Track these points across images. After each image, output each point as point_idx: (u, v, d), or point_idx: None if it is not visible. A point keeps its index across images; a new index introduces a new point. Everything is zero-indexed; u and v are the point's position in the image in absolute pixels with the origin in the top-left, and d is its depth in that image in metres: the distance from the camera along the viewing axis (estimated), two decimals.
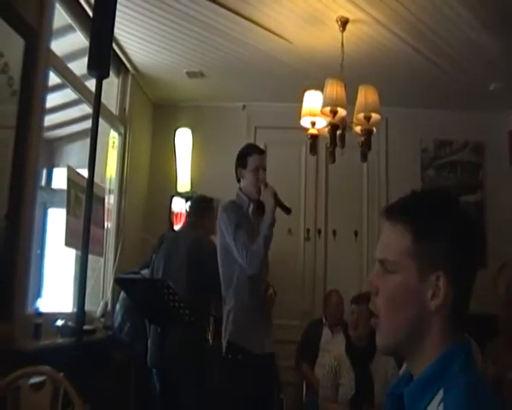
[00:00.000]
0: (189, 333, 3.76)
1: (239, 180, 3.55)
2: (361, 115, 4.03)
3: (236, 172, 3.54)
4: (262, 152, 3.57)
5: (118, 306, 4.54)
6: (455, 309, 1.11)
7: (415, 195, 1.20)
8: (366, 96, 4.02)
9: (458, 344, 1.10)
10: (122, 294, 4.46)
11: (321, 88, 4.03)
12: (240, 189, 3.54)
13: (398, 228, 1.15)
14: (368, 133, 4.09)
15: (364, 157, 4.25)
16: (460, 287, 1.11)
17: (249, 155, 3.49)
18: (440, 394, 1.03)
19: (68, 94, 4.43)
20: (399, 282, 1.13)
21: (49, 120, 4.24)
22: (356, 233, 5.80)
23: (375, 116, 4.03)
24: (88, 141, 2.75)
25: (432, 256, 1.11)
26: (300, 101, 4.29)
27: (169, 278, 3.77)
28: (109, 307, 4.78)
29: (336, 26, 4.24)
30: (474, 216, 1.19)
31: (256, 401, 3.22)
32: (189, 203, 4.93)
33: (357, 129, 4.15)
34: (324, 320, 5.04)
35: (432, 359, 1.09)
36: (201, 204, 4.38)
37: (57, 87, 4.28)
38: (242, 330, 3.27)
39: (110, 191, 5.12)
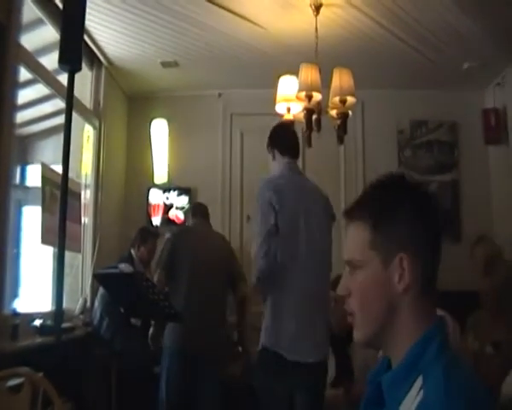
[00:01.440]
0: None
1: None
2: (336, 99, 4.02)
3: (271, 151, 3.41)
4: None
5: (96, 303, 4.51)
6: (423, 288, 1.14)
7: (369, 189, 1.23)
8: (341, 79, 4.01)
9: (431, 327, 1.12)
10: (100, 290, 4.43)
11: (296, 73, 4.02)
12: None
13: (357, 225, 1.19)
14: (344, 116, 4.09)
15: (341, 140, 4.25)
16: (424, 264, 1.14)
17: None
18: (419, 381, 1.04)
19: (40, 89, 4.37)
20: (366, 275, 1.16)
21: (21, 116, 4.18)
22: (333, 217, 5.80)
23: (350, 99, 4.02)
24: (62, 136, 2.70)
25: (391, 241, 1.15)
26: (276, 87, 4.27)
27: (198, 274, 3.88)
28: (88, 303, 4.76)
29: (310, 11, 4.22)
30: (429, 191, 1.24)
31: None
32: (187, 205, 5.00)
33: (333, 113, 4.14)
34: None
35: (407, 341, 1.11)
36: (205, 208, 4.45)
37: (29, 82, 4.22)
38: None
39: (86, 186, 5.07)
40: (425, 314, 1.14)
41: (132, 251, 4.70)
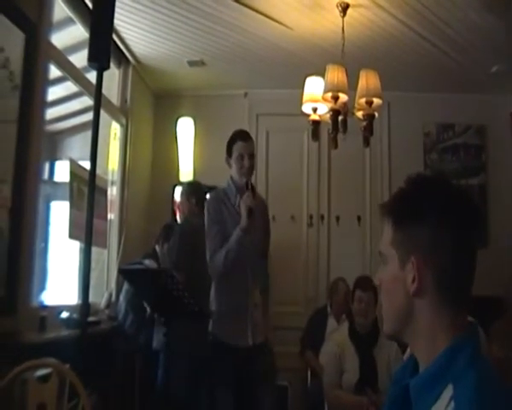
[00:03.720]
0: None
1: None
2: (363, 100, 4.01)
3: (226, 161, 3.47)
4: (246, 139, 3.43)
5: (121, 298, 4.56)
6: (442, 293, 1.11)
7: (406, 184, 1.22)
8: (367, 80, 4.00)
9: (462, 335, 1.09)
10: (125, 286, 4.47)
11: (322, 74, 4.02)
12: (230, 177, 3.47)
13: (385, 221, 1.22)
14: (370, 118, 4.08)
15: (367, 142, 4.24)
16: (442, 270, 1.11)
17: (233, 143, 3.41)
18: (449, 389, 1.02)
19: (69, 87, 4.43)
20: (387, 271, 1.20)
21: (50, 113, 4.24)
22: (359, 218, 5.80)
23: (376, 101, 4.02)
24: (90, 133, 2.75)
25: (409, 242, 1.15)
26: (302, 87, 4.28)
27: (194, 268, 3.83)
28: (113, 298, 4.81)
29: (337, 12, 4.21)
30: (463, 194, 1.18)
31: None
32: (195, 191, 4.49)
33: (359, 114, 4.14)
34: (329, 309, 5.01)
35: (430, 345, 1.10)
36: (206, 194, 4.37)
37: (58, 80, 4.28)
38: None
39: (112, 183, 5.13)
40: (450, 320, 1.11)
41: (157, 247, 4.73)
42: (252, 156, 3.37)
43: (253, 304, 3.30)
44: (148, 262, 4.45)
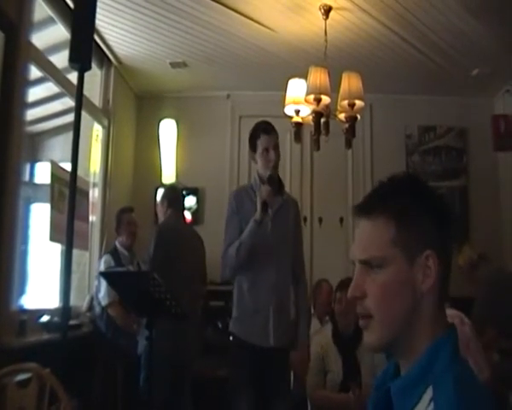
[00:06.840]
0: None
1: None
2: (345, 102, 4.03)
3: (250, 156, 3.41)
4: (270, 131, 3.28)
5: (95, 302, 4.49)
6: (442, 289, 1.10)
7: (389, 183, 1.17)
8: (350, 83, 4.02)
9: (444, 334, 1.09)
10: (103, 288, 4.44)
11: (305, 76, 4.03)
12: (257, 172, 3.34)
13: (379, 221, 1.11)
14: (352, 120, 4.10)
15: (349, 144, 4.26)
16: (446, 263, 1.10)
17: (257, 138, 3.28)
18: (429, 392, 1.02)
19: (50, 87, 4.39)
20: (390, 274, 1.09)
21: (31, 114, 4.19)
22: (341, 220, 5.82)
23: (358, 103, 4.03)
24: (71, 134, 2.71)
25: (417, 237, 1.09)
26: (284, 89, 4.28)
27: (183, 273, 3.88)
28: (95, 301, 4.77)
29: (319, 14, 4.23)
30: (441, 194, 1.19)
31: None
32: (167, 193, 4.44)
33: (342, 116, 4.15)
34: (313, 310, 5.01)
35: (422, 347, 1.07)
36: (182, 197, 4.46)
37: (39, 81, 4.23)
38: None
39: (94, 185, 5.10)
40: (440, 319, 1.10)
41: (116, 242, 4.68)
42: (277, 147, 3.26)
43: (276, 304, 3.16)
44: (104, 260, 4.42)
